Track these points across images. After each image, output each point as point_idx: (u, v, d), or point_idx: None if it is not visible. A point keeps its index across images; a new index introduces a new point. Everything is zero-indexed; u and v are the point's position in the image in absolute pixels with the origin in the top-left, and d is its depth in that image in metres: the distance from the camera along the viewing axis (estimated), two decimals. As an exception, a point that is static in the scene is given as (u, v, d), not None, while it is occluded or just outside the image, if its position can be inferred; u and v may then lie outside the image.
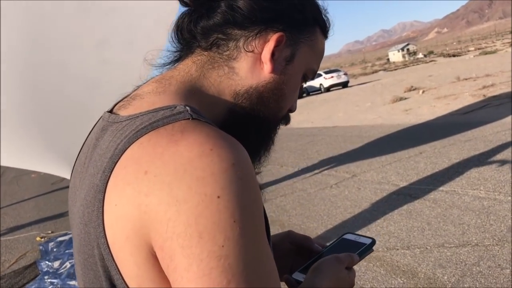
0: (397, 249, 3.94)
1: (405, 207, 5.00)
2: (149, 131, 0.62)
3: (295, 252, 0.95)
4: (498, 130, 7.88)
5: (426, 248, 3.86)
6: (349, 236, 0.97)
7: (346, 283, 0.81)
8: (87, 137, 0.83)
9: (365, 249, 0.89)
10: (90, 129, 0.84)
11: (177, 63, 0.82)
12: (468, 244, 3.76)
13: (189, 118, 0.64)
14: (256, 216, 0.59)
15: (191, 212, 0.55)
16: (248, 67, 0.77)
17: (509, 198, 4.56)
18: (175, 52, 0.83)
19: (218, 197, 0.55)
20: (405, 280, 3.34)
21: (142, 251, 0.59)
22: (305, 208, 5.76)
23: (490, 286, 3.09)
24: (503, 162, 5.83)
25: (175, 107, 0.66)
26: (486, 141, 7.24)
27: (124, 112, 0.72)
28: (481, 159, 6.23)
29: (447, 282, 3.24)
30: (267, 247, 0.60)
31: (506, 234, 3.79)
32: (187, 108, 0.66)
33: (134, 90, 0.80)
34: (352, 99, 20.83)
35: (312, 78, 0.89)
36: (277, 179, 7.67)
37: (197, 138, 0.60)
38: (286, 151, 10.22)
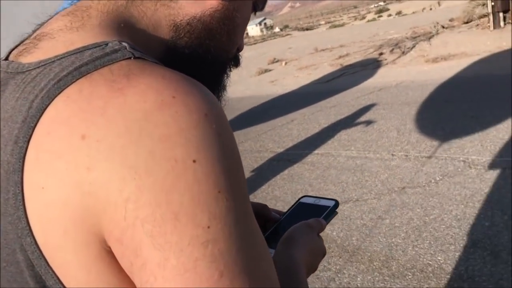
0: (285, 212, 4.06)
1: (286, 171, 5.17)
2: (77, 79, 0.45)
3: None
4: (358, 95, 8.52)
5: (312, 208, 4.04)
6: (307, 200, 0.89)
7: (321, 252, 0.75)
8: None
9: (329, 212, 0.82)
10: None
11: None
12: (350, 200, 4.02)
13: (130, 58, 0.47)
14: (242, 181, 0.46)
15: (159, 186, 0.40)
16: None
17: (378, 155, 4.97)
18: None
19: (194, 161, 0.41)
20: (297, 241, 3.46)
21: (90, 248, 0.43)
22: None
23: (375, 236, 3.35)
24: (367, 123, 6.32)
25: (106, 45, 0.48)
26: (349, 105, 7.79)
27: (28, 59, 0.52)
28: (348, 122, 6.69)
29: (337, 238, 3.43)
30: (256, 221, 0.48)
31: (381, 188, 4.12)
32: (124, 44, 0.48)
33: (37, 29, 0.59)
34: (218, 73, 20.88)
35: (262, 8, 0.72)
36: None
37: (150, 83, 0.44)
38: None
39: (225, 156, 0.44)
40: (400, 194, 3.92)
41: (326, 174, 4.80)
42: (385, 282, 2.80)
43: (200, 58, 0.60)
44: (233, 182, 0.44)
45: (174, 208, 0.40)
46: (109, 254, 0.43)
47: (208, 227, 0.41)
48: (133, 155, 0.40)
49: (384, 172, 4.46)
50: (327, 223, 0.81)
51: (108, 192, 0.41)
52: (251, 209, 0.47)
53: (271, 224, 0.85)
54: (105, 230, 0.42)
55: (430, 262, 2.89)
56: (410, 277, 2.80)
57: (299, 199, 0.91)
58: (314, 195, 0.89)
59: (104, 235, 0.42)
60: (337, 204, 0.84)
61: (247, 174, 5.41)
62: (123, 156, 0.41)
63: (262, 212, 0.85)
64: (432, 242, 3.10)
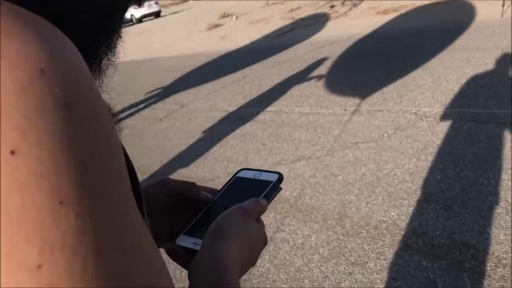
0: (238, 173, 3.93)
1: (238, 131, 5.02)
2: None
3: (175, 206, 0.69)
4: (310, 49, 8.37)
5: (265, 168, 3.93)
6: (245, 174, 0.74)
7: (260, 242, 0.60)
8: None
9: (271, 188, 0.67)
10: None
11: None
12: (303, 158, 3.93)
13: None
14: (110, 178, 0.29)
15: None
16: None
17: (330, 111, 4.88)
18: None
19: (12, 152, 0.25)
20: (250, 202, 3.34)
21: None
22: (136, 145, 5.42)
23: (328, 193, 3.28)
24: (319, 78, 6.21)
25: None
26: (301, 60, 7.63)
27: None
28: (300, 78, 6.55)
29: (290, 197, 3.34)
30: (142, 230, 0.32)
31: (334, 144, 4.04)
32: None
33: None
34: (168, 29, 20.18)
35: None
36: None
37: None
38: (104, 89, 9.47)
39: (74, 139, 0.27)
40: (353, 150, 3.85)
41: (279, 132, 4.68)
42: (339, 241, 2.74)
43: None
44: (95, 186, 0.27)
45: None
46: None
47: (39, 266, 0.25)
48: None
49: (336, 128, 4.39)
50: (270, 202, 0.66)
51: None
52: (139, 221, 0.31)
53: (203, 206, 0.70)
54: None
55: (384, 219, 2.85)
56: (364, 234, 2.75)
57: (236, 172, 0.75)
58: (254, 168, 0.74)
59: None
60: (281, 178, 0.69)
61: (198, 135, 5.23)
62: None
63: (189, 193, 0.69)
64: (385, 198, 3.06)
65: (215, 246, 0.54)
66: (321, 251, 2.70)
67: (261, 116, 5.30)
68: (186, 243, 0.64)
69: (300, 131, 4.54)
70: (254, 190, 0.68)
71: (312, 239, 2.82)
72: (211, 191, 0.72)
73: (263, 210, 0.62)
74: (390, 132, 4.01)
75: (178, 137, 5.34)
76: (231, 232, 0.55)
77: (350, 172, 3.50)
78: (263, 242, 0.61)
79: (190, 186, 0.69)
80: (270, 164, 3.96)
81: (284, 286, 2.51)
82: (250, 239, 0.57)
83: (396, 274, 2.39)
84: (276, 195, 0.68)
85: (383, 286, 2.34)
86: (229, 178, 0.76)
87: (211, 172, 4.10)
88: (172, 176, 4.17)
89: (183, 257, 0.62)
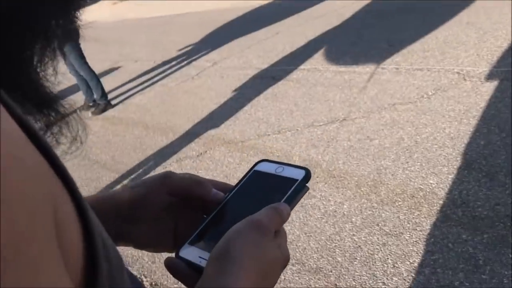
0: (269, 135, 3.84)
1: (270, 90, 4.87)
2: None
3: (180, 206, 0.59)
4: (346, 3, 7.98)
5: (297, 130, 3.80)
6: (265, 167, 0.62)
7: (278, 263, 0.49)
8: None
9: (296, 189, 0.55)
10: None
11: None
12: (337, 120, 3.77)
13: None
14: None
15: None
16: None
17: (367, 69, 4.65)
18: None
19: None
20: (281, 166, 3.24)
21: None
22: (168, 104, 5.37)
23: (362, 158, 3.14)
24: (356, 34, 5.92)
25: None
26: (337, 15, 7.29)
27: None
28: (336, 34, 6.28)
29: (322, 161, 3.23)
30: None
31: (370, 105, 3.86)
32: None
33: None
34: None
35: None
36: (133, 77, 7.05)
37: None
38: (137, 45, 9.41)
39: None
40: (390, 112, 3.67)
41: (312, 91, 4.51)
42: (373, 210, 2.63)
43: None
44: None
45: None
46: None
47: None
48: None
49: (373, 88, 4.18)
50: (293, 207, 0.54)
51: None
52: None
53: (212, 207, 0.59)
54: None
55: (422, 186, 2.71)
56: (400, 203, 2.63)
57: (255, 165, 0.63)
58: (276, 161, 0.62)
59: None
60: (308, 175, 0.57)
61: (229, 94, 5.11)
62: None
63: (197, 192, 0.58)
64: (423, 164, 2.91)
65: (220, 277, 0.44)
66: (353, 219, 2.60)
67: (294, 75, 5.12)
68: (191, 256, 0.54)
69: (335, 91, 4.35)
70: (275, 190, 0.57)
71: (345, 206, 2.72)
72: (224, 188, 0.61)
73: (283, 220, 0.51)
74: (430, 93, 3.78)
75: (209, 96, 5.25)
76: (240, 257, 0.45)
77: (387, 135, 3.34)
78: (283, 261, 0.50)
79: (198, 184, 0.58)
80: (303, 125, 3.83)
81: (314, 255, 2.43)
82: (265, 263, 0.47)
83: (433, 247, 2.28)
84: (301, 197, 0.57)
85: (418, 259, 2.24)
86: (247, 170, 0.64)
87: (242, 133, 4.00)
88: (201, 138, 4.13)
89: (188, 275, 0.52)
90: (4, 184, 0.23)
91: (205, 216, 0.60)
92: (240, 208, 0.57)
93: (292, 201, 0.55)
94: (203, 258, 0.52)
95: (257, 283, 0.45)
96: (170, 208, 0.58)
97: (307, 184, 0.57)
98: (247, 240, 0.46)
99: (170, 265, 0.53)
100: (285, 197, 0.54)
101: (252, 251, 0.46)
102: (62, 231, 0.28)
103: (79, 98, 5.84)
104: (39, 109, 0.37)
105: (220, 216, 0.58)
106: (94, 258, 0.31)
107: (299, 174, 0.57)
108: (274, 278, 0.49)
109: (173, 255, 0.56)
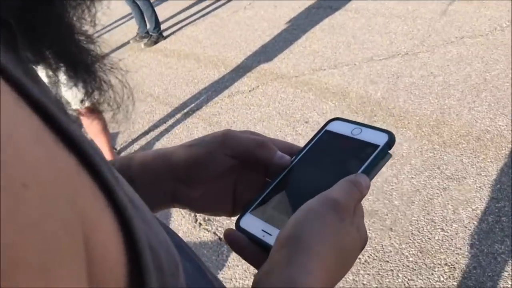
0: (324, 70, 3.67)
1: (326, 21, 4.62)
2: None
3: (240, 169, 0.52)
4: None
5: (355, 64, 3.61)
6: (338, 127, 0.52)
7: (357, 247, 0.42)
8: None
9: (377, 156, 0.46)
10: None
11: None
12: (398, 54, 3.54)
13: None
14: None
15: None
16: None
17: (433, -2, 4.29)
18: None
19: None
20: (336, 103, 3.12)
21: None
22: (219, 35, 5.24)
23: (425, 96, 2.95)
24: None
25: None
26: None
27: None
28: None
29: (381, 99, 3.06)
30: None
31: (435, 38, 3.58)
32: None
33: None
34: None
35: None
36: (185, 7, 6.90)
37: None
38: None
39: None
40: (457, 46, 3.39)
41: (372, 22, 4.24)
42: (435, 152, 2.49)
43: None
44: None
45: None
46: None
47: None
48: None
49: (439, 19, 3.86)
50: (372, 178, 0.46)
51: None
52: None
53: (275, 173, 0.51)
54: None
55: (489, 128, 2.52)
56: (464, 145, 2.47)
57: (326, 124, 0.54)
58: (352, 121, 0.52)
59: None
60: (391, 140, 0.47)
61: (283, 25, 4.90)
62: None
63: (259, 155, 0.50)
64: (492, 104, 2.69)
65: (290, 269, 0.36)
66: (413, 161, 2.48)
67: (353, 4, 4.81)
68: (253, 228, 0.47)
69: (397, 22, 4.07)
70: (351, 156, 0.48)
71: (404, 147, 2.59)
72: (291, 149, 0.53)
73: (363, 196, 0.43)
74: (504, 25, 3.45)
75: (262, 27, 5.06)
76: (315, 246, 0.38)
77: (452, 72, 3.11)
78: (362, 244, 0.43)
79: (261, 146, 0.50)
80: (361, 60, 3.63)
81: (369, 197, 2.36)
82: (343, 250, 0.39)
83: (498, 194, 2.14)
84: (382, 167, 0.47)
85: (482, 206, 2.12)
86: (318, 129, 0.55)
87: (296, 67, 3.86)
88: (253, 72, 4.02)
89: (249, 250, 0.45)
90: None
91: (268, 180, 0.52)
92: (310, 176, 0.49)
93: (372, 171, 0.46)
94: (267, 232, 0.45)
95: (333, 276, 0.38)
96: (230, 170, 0.51)
97: (389, 151, 0.47)
98: (322, 224, 0.39)
99: (229, 238, 0.46)
100: (363, 167, 0.46)
101: (328, 239, 0.38)
102: (94, 253, 0.21)
103: (130, 29, 5.81)
104: (76, 73, 0.29)
105: (286, 183, 0.50)
106: (142, 273, 0.25)
107: (380, 138, 0.48)
108: (351, 265, 0.42)
109: (232, 222, 0.50)
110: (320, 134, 0.53)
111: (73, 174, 0.21)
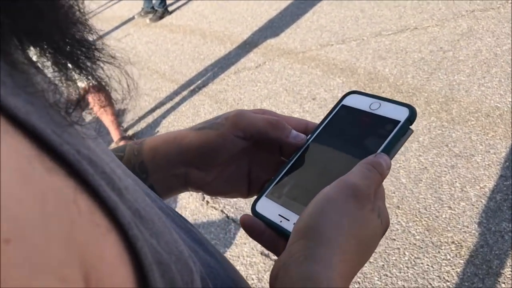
0: (332, 45, 3.62)
1: (334, -5, 4.54)
2: None
3: (255, 148, 0.51)
4: None
5: (363, 39, 3.55)
6: (356, 101, 0.50)
7: (378, 237, 0.41)
8: None
9: (398, 133, 0.44)
10: None
11: None
12: (407, 29, 3.48)
13: None
14: None
15: None
16: None
17: (444, -31, 4.19)
18: None
19: None
20: (344, 79, 3.09)
21: None
22: (225, 10, 5.17)
23: (434, 72, 2.91)
24: None
25: None
26: None
27: None
28: None
29: (389, 75, 3.02)
30: None
31: (445, 12, 3.51)
32: None
33: None
34: None
35: None
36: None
37: None
38: None
39: None
40: (467, 20, 3.32)
41: (380, -4, 4.15)
42: (443, 129, 2.47)
43: None
44: None
45: None
46: None
47: None
48: None
49: (450, -8, 3.78)
50: (393, 157, 0.44)
51: None
52: None
53: (291, 152, 0.50)
54: None
55: (499, 105, 2.49)
56: (473, 122, 2.44)
57: (343, 97, 0.52)
58: (369, 94, 0.50)
59: None
60: (413, 114, 0.45)
61: (290, -1, 4.82)
62: None
63: (273, 135, 0.49)
64: (502, 80, 2.65)
65: (310, 263, 0.36)
66: (421, 139, 2.46)
67: (361, -23, 4.71)
68: (269, 213, 0.46)
69: (406, -4, 3.99)
70: (370, 132, 0.46)
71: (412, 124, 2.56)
72: (306, 127, 0.51)
73: (383, 176, 0.41)
74: (516, -2, 3.37)
75: (268, 1, 4.98)
76: (335, 237, 0.37)
77: (462, 47, 3.05)
78: (383, 231, 0.41)
79: (274, 126, 0.49)
80: (369, 34, 3.57)
81: (377, 175, 2.35)
82: (364, 239, 0.39)
83: (507, 172, 2.12)
84: (403, 144, 0.46)
85: (490, 184, 2.10)
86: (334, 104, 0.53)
87: (303, 43, 3.80)
88: (260, 48, 3.97)
89: (266, 236, 0.45)
90: None
91: (283, 159, 0.51)
92: (327, 155, 0.48)
93: (393, 150, 0.44)
94: (284, 218, 0.44)
95: (354, 265, 0.38)
96: (243, 152, 0.50)
97: (411, 127, 0.45)
98: (342, 214, 0.38)
99: (246, 225, 0.45)
100: (384, 145, 0.44)
101: (348, 230, 0.37)
102: (99, 283, 0.21)
103: (135, 4, 5.74)
104: (73, 59, 0.28)
105: (302, 164, 0.48)
106: None
107: (401, 113, 0.45)
108: (372, 253, 0.41)
109: (248, 206, 0.49)
110: (336, 109, 0.51)
111: (69, 206, 0.20)
